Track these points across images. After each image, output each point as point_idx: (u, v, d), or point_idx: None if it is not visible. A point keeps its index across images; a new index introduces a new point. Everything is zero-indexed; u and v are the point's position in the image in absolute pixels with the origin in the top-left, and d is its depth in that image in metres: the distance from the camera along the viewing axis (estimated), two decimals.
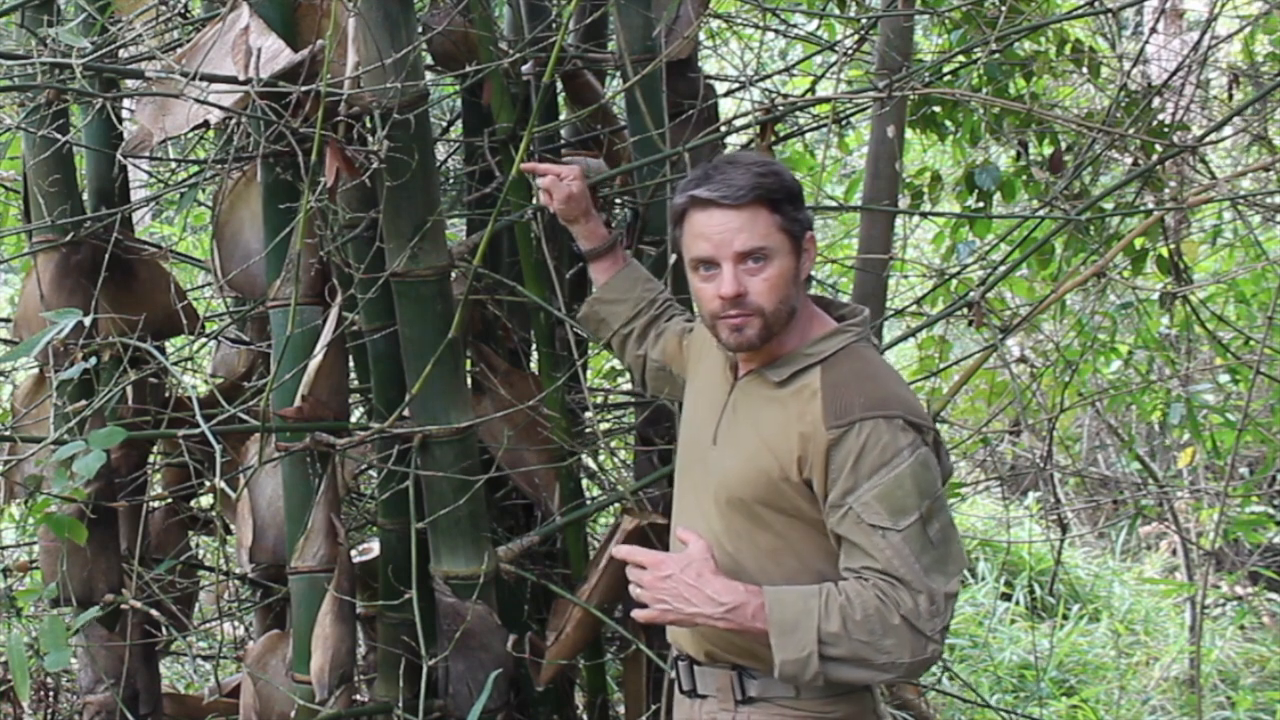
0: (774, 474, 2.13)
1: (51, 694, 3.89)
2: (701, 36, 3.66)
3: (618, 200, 3.40)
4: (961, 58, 4.12)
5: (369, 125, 2.69)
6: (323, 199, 2.66)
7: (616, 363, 4.52)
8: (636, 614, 2.14)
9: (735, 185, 2.11)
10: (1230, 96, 4.80)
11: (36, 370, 3.20)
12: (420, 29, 2.94)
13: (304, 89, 2.56)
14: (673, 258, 3.01)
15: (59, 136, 2.99)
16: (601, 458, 3.70)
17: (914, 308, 4.29)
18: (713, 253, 2.13)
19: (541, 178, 2.70)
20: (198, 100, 2.54)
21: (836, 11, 4.55)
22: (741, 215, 2.11)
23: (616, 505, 3.43)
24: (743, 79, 3.97)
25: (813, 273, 2.31)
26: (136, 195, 3.71)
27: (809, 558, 2.14)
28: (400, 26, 2.68)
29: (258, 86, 2.55)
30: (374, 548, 3.29)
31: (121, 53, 3.03)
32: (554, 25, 3.21)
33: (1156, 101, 4.46)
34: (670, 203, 2.54)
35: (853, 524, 2.05)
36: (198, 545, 3.88)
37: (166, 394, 3.23)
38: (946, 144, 4.87)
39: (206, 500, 3.69)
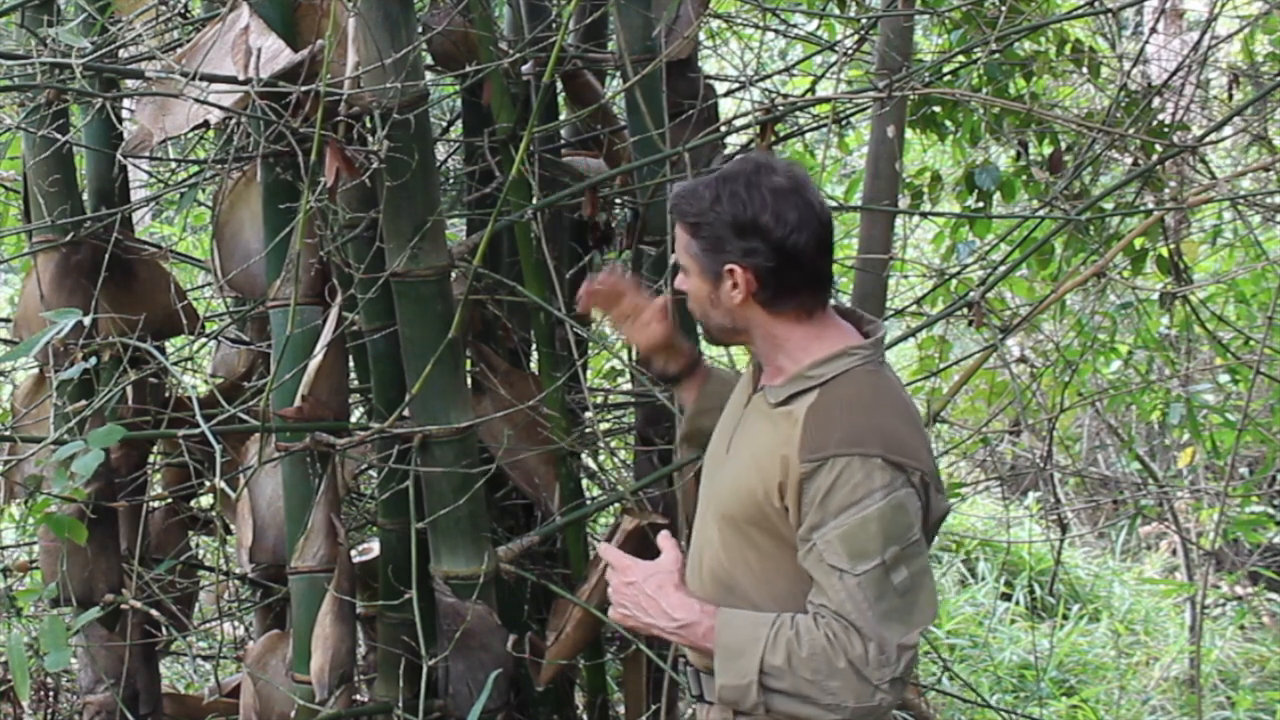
0: (758, 495, 2.08)
1: (51, 694, 3.90)
2: (701, 36, 3.66)
3: (618, 200, 3.40)
4: (961, 58, 4.11)
5: (369, 125, 2.69)
6: (323, 199, 2.65)
7: (616, 363, 4.52)
8: (611, 611, 2.18)
9: (676, 195, 2.14)
10: (1230, 96, 4.79)
11: (36, 370, 3.20)
12: (420, 29, 2.94)
13: (304, 89, 2.56)
14: (673, 257, 3.00)
15: (59, 136, 2.99)
16: (601, 458, 3.70)
17: (914, 308, 4.28)
18: None
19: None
20: (198, 100, 2.54)
21: (836, 11, 4.55)
22: (679, 225, 2.15)
23: (616, 505, 3.42)
24: (743, 79, 3.96)
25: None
26: (136, 195, 3.70)
27: (799, 581, 2.06)
28: (400, 26, 2.68)
29: (258, 86, 2.55)
30: (374, 548, 3.29)
31: (121, 53, 3.03)
32: (554, 25, 3.21)
33: (1156, 101, 4.46)
34: None
35: (815, 561, 2.00)
36: (198, 545, 3.88)
37: (166, 394, 3.23)
38: (946, 144, 4.86)
39: (206, 500, 3.69)
